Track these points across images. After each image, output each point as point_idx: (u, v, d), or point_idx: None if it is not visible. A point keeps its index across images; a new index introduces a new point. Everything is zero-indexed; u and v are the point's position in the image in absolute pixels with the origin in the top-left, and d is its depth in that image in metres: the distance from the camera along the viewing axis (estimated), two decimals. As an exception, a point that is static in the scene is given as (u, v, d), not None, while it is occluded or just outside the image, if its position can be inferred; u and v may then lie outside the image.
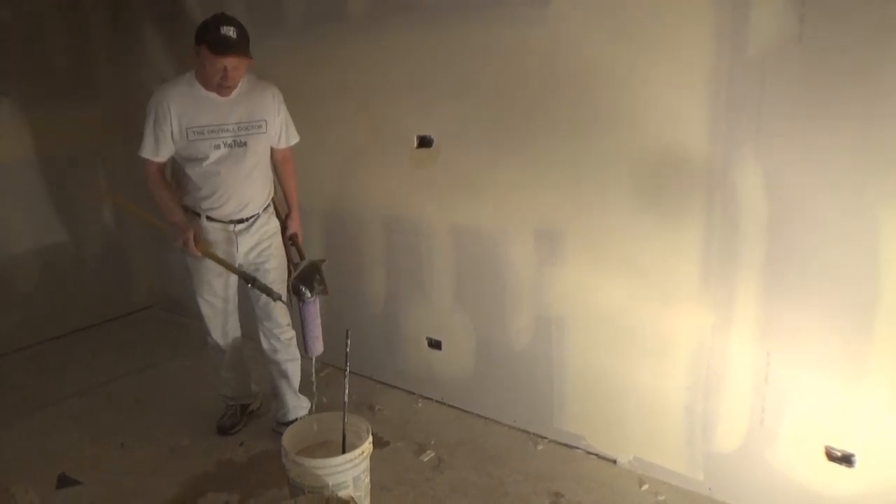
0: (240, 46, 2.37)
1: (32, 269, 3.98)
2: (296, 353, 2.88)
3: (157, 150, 2.49)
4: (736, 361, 2.22)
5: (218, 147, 2.50)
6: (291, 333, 2.85)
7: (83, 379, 3.53)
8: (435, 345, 3.06)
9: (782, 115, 1.98)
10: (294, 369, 2.88)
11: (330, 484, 2.13)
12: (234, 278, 2.75)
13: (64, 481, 2.64)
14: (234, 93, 2.49)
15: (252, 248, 2.69)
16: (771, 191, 2.04)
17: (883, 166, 1.85)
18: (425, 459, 2.70)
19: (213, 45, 2.33)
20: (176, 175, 2.63)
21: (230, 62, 2.36)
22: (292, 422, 2.71)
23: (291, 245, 2.84)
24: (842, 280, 1.97)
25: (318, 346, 2.63)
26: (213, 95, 2.47)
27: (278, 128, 2.64)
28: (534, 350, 2.72)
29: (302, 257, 2.87)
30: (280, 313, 2.80)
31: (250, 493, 2.53)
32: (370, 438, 2.27)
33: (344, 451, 2.27)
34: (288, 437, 2.31)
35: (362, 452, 2.21)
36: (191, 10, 3.56)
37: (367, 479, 2.28)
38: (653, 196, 2.28)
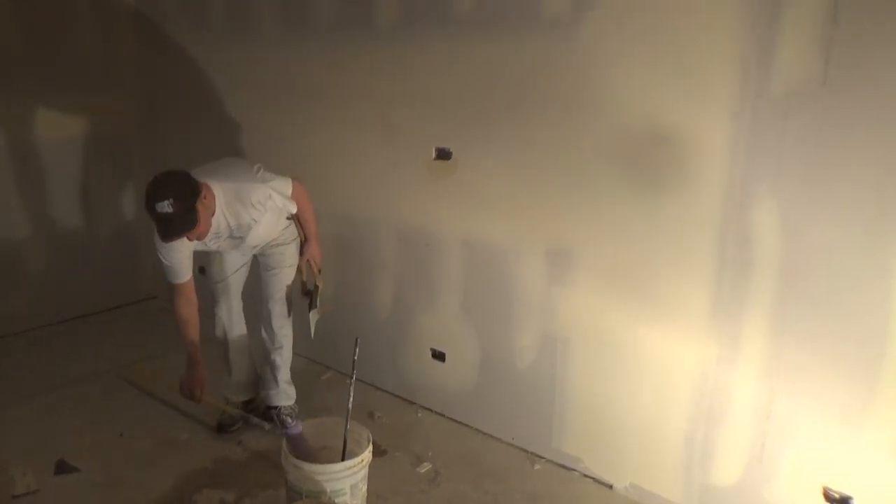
0: (175, 227, 2.31)
1: (45, 251, 4.01)
2: (289, 338, 2.91)
3: (175, 275, 2.57)
4: (739, 396, 2.23)
5: (217, 244, 2.63)
6: (290, 327, 2.91)
7: (86, 365, 3.55)
8: (438, 356, 3.08)
9: (803, 156, 1.99)
10: (287, 355, 2.92)
11: (328, 490, 2.14)
12: (229, 261, 2.82)
13: (62, 467, 2.66)
14: (215, 218, 2.49)
15: (261, 245, 2.77)
16: (786, 230, 2.05)
17: (900, 214, 1.86)
18: (422, 471, 2.70)
19: (157, 229, 2.35)
20: None
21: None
22: (275, 408, 2.87)
23: (307, 267, 2.93)
24: (852, 325, 1.98)
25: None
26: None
27: (274, 214, 2.65)
28: (537, 369, 2.73)
29: (316, 283, 2.90)
30: (283, 313, 2.85)
31: (246, 492, 2.54)
32: (370, 447, 2.28)
33: (344, 458, 2.28)
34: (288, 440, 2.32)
35: (362, 461, 2.23)
36: (218, 10, 3.59)
37: (365, 488, 2.29)
38: (668, 224, 2.29)
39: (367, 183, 3.18)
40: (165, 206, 2.25)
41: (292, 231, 2.82)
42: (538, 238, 2.63)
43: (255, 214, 2.56)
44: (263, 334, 2.89)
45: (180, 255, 2.53)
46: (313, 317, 2.91)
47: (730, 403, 2.25)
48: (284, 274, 2.83)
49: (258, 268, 2.88)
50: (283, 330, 2.87)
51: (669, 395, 2.39)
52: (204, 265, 2.94)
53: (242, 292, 2.93)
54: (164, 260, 2.53)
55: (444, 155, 2.85)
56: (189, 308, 2.63)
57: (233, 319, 2.92)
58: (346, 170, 3.23)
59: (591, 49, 2.35)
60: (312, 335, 2.91)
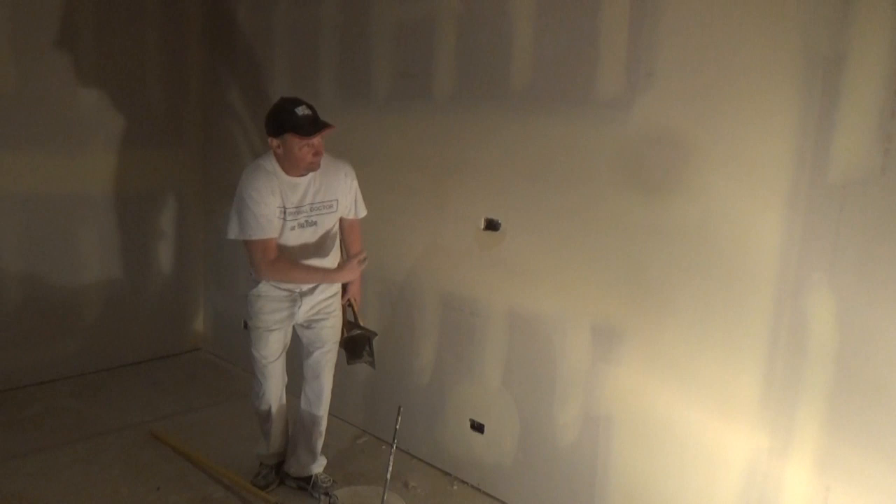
0: (320, 122, 2.48)
1: (97, 300, 4.13)
2: (326, 409, 2.92)
3: (266, 229, 2.52)
4: (791, 492, 2.13)
5: (293, 228, 2.60)
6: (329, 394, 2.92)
7: (128, 414, 3.59)
8: (478, 427, 3.03)
9: (860, 246, 1.95)
10: (323, 425, 2.91)
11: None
12: (279, 339, 2.80)
13: (98, 518, 2.67)
14: (309, 174, 2.59)
15: (312, 307, 2.77)
16: (842, 320, 2.00)
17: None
18: (455, 546, 2.63)
19: (301, 129, 2.43)
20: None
21: (317, 139, 2.47)
22: (308, 478, 2.86)
23: (348, 306, 2.92)
24: (913, 422, 1.90)
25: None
26: (291, 179, 2.56)
27: (349, 204, 2.76)
28: (578, 448, 2.67)
29: (357, 323, 2.94)
30: (329, 375, 2.85)
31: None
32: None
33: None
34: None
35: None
36: (280, 76, 3.77)
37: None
38: (718, 307, 2.25)
39: (415, 248, 3.23)
40: (306, 111, 2.46)
41: (337, 284, 2.84)
42: (584, 314, 2.61)
43: (339, 192, 2.67)
44: (308, 396, 2.88)
45: (270, 208, 2.50)
46: (368, 366, 2.94)
47: (781, 499, 2.15)
48: (336, 319, 2.86)
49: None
50: (329, 388, 2.89)
51: (717, 484, 2.30)
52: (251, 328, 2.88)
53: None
54: (253, 208, 2.47)
55: (493, 226, 2.88)
56: (290, 260, 2.60)
57: (280, 394, 2.91)
58: (395, 234, 3.29)
59: (644, 129, 2.38)
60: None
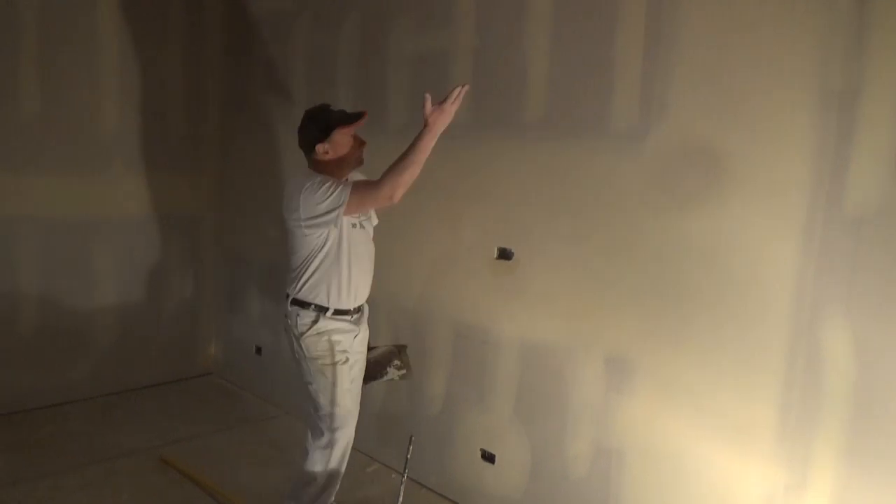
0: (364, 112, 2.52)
1: (111, 323, 4.16)
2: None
3: (345, 185, 2.40)
4: (809, 529, 2.09)
5: (354, 226, 2.54)
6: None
7: (138, 439, 3.59)
8: (488, 457, 3.00)
9: (877, 278, 1.94)
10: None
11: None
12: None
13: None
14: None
15: (363, 338, 2.72)
16: (860, 353, 1.98)
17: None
18: (465, 579, 2.59)
19: (347, 118, 2.48)
20: (298, 273, 2.55)
21: (360, 128, 2.50)
22: None
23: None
24: (933, 459, 1.86)
25: None
26: None
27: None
28: (589, 480, 2.63)
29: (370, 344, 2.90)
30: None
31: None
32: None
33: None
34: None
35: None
36: (297, 102, 3.82)
37: None
38: (733, 338, 2.24)
39: (428, 276, 3.23)
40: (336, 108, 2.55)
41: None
42: (598, 344, 2.60)
43: None
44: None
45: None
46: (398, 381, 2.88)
47: (799, 536, 2.11)
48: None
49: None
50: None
51: (732, 521, 2.26)
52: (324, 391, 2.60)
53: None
54: (325, 183, 2.40)
55: (506, 255, 2.88)
56: (386, 174, 2.35)
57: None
58: (408, 261, 3.30)
59: (658, 161, 2.39)
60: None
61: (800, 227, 2.07)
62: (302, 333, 2.54)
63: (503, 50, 2.83)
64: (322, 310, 2.54)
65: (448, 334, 3.14)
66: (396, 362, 2.87)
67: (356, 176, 2.62)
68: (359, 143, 2.56)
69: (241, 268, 4.41)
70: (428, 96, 2.31)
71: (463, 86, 2.35)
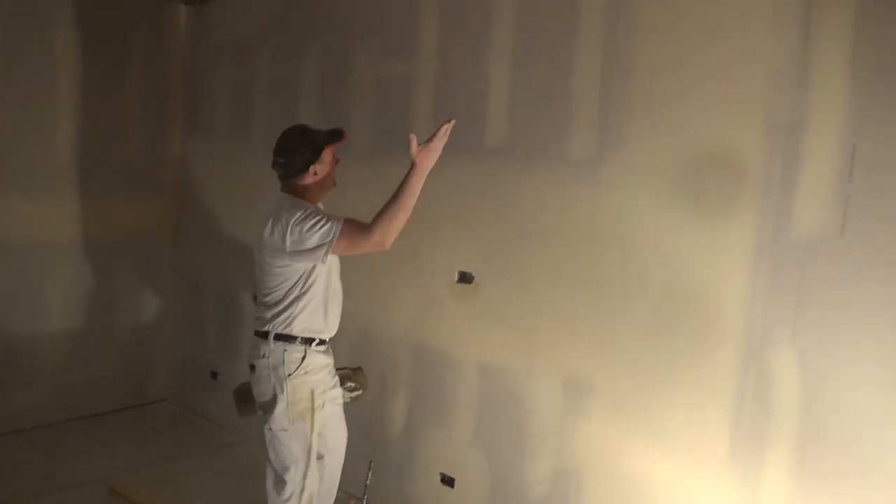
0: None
1: (60, 349, 4.03)
2: None
3: (337, 218, 2.28)
4: (762, 547, 2.14)
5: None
6: None
7: (88, 468, 3.47)
8: (448, 482, 2.99)
9: (821, 302, 2.02)
10: None
11: None
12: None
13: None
14: None
15: (331, 371, 2.60)
16: (805, 374, 2.05)
17: (921, 366, 1.87)
18: None
19: (333, 135, 2.43)
20: (283, 306, 2.40)
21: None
22: None
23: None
24: (873, 474, 1.93)
25: None
26: None
27: None
28: (549, 503, 2.65)
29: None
30: None
31: None
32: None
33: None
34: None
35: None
36: (259, 129, 3.81)
37: None
38: (686, 361, 2.30)
39: (389, 300, 3.23)
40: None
41: None
42: (555, 367, 2.63)
43: None
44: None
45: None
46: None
47: (751, 554, 2.16)
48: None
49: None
50: None
51: (687, 541, 2.30)
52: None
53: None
54: (316, 213, 2.29)
55: (466, 279, 2.91)
56: (376, 219, 2.25)
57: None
58: (367, 285, 3.30)
59: (612, 188, 2.46)
60: None
61: (749, 254, 2.15)
62: (290, 373, 2.37)
63: (465, 77, 2.89)
64: (309, 342, 2.42)
65: (408, 358, 3.14)
66: (350, 384, 2.79)
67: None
68: (336, 161, 2.51)
69: (198, 292, 4.34)
70: (413, 137, 2.21)
71: (449, 121, 2.26)
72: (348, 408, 2.78)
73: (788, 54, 2.07)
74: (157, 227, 4.40)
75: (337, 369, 2.77)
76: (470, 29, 2.86)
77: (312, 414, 2.40)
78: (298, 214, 2.27)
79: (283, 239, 2.28)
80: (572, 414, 2.58)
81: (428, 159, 2.23)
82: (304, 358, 2.39)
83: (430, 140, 2.23)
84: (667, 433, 2.35)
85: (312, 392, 2.41)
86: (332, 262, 2.49)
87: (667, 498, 2.35)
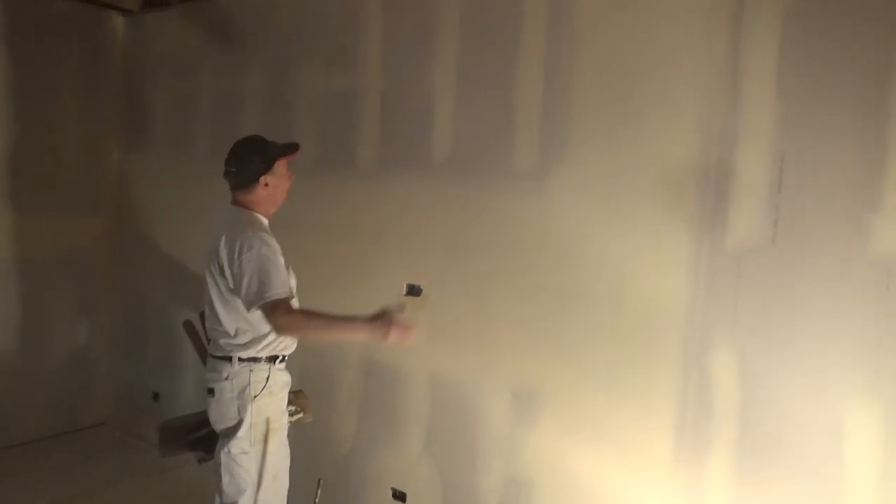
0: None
1: (-10, 373, 3.85)
2: None
3: (286, 283, 2.25)
4: (706, 546, 2.20)
5: (290, 273, 2.41)
6: None
7: (23, 497, 3.31)
8: (400, 496, 2.98)
9: (757, 307, 2.11)
10: None
11: None
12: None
13: None
14: None
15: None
16: (744, 378, 2.13)
17: (849, 365, 1.96)
18: None
19: (286, 149, 2.38)
20: (246, 330, 2.31)
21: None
22: None
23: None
24: (809, 473, 2.02)
25: None
26: (268, 226, 2.41)
27: None
28: (501, 513, 2.67)
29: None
30: None
31: None
32: None
33: None
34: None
35: None
36: (201, 144, 3.75)
37: None
38: (631, 368, 2.36)
39: (338, 311, 3.20)
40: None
41: None
42: (504, 378, 2.66)
43: None
44: None
45: (281, 259, 2.25)
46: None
47: (697, 555, 2.22)
48: None
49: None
50: None
51: (636, 545, 2.34)
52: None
53: None
54: (271, 256, 2.21)
55: (414, 291, 2.92)
56: (310, 311, 2.25)
57: None
58: (315, 301, 3.25)
59: (555, 201, 2.51)
60: None
61: (688, 263, 2.23)
62: (256, 394, 2.29)
63: (411, 91, 2.91)
64: (272, 360, 2.34)
65: (358, 373, 3.12)
66: (290, 408, 2.65)
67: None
68: (290, 176, 2.45)
69: (137, 310, 4.21)
70: (401, 313, 2.21)
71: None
72: (296, 431, 2.72)
73: (719, 70, 2.17)
74: (94, 245, 4.25)
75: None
76: (414, 44, 2.89)
77: (275, 435, 2.35)
78: (247, 255, 2.20)
79: (230, 265, 2.24)
80: (522, 423, 2.61)
81: (390, 339, 2.21)
82: (268, 378, 2.33)
83: (407, 328, 2.23)
84: (614, 438, 2.40)
85: (276, 413, 2.36)
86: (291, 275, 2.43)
87: (615, 503, 2.39)
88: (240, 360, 2.31)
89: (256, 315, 2.23)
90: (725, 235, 2.16)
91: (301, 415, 2.71)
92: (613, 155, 2.38)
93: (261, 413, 2.31)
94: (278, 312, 2.16)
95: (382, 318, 2.21)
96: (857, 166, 1.95)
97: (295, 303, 2.35)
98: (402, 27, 2.95)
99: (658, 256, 2.29)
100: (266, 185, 2.36)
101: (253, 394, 2.29)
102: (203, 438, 2.51)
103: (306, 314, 2.25)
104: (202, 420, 2.47)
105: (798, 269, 2.04)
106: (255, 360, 2.31)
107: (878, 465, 1.94)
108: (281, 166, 2.39)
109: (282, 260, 2.26)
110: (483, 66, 2.70)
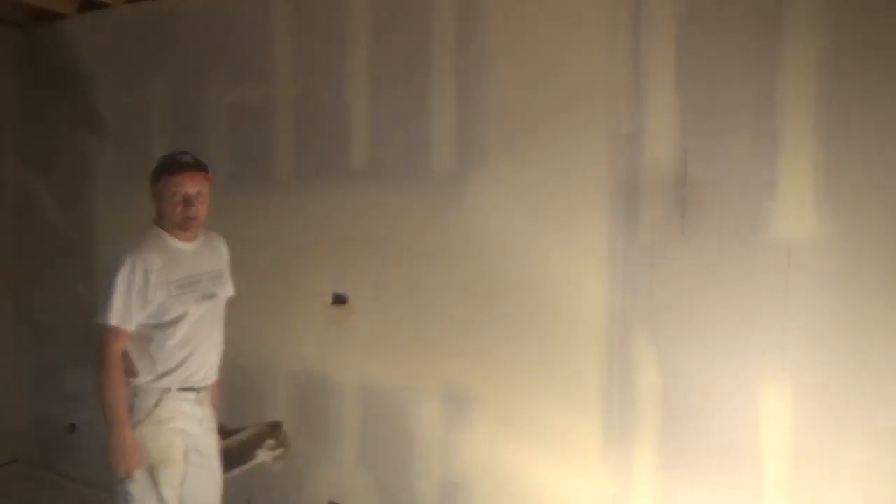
0: (197, 165, 2.24)
1: None
2: None
3: (129, 317, 2.13)
4: (638, 531, 2.28)
5: (197, 301, 2.27)
6: None
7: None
8: (337, 509, 2.95)
9: (671, 296, 2.20)
10: None
11: None
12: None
13: None
14: (197, 242, 2.33)
15: (202, 421, 2.35)
16: (664, 366, 2.22)
17: (761, 347, 2.07)
18: None
19: (170, 168, 2.20)
20: (130, 357, 2.22)
21: (189, 184, 2.19)
22: None
23: None
24: (729, 455, 2.12)
25: None
26: (180, 244, 2.26)
27: (228, 277, 2.50)
28: (439, 516, 2.68)
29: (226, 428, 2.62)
30: None
31: None
32: None
33: None
34: None
35: None
36: (104, 162, 3.59)
37: None
38: (558, 364, 2.41)
39: (261, 331, 3.14)
40: (186, 157, 2.24)
41: None
42: (435, 382, 2.67)
43: (223, 264, 2.45)
44: None
45: (139, 287, 2.12)
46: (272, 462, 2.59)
47: (629, 540, 2.29)
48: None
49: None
50: None
51: (571, 536, 2.40)
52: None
53: None
54: (119, 285, 2.11)
55: (340, 300, 2.89)
56: (123, 379, 2.16)
57: None
58: (239, 318, 3.17)
59: (476, 201, 2.54)
60: None
61: (605, 256, 2.30)
62: (139, 420, 2.20)
63: (325, 99, 2.87)
64: (166, 389, 2.24)
65: (286, 386, 3.07)
66: (270, 442, 2.57)
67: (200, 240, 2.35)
68: (183, 203, 2.20)
69: (46, 338, 3.99)
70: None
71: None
72: (261, 467, 2.60)
73: (622, 69, 2.25)
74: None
75: (252, 425, 2.60)
76: (326, 51, 2.86)
77: (172, 468, 2.21)
78: (119, 270, 2.13)
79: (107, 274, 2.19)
80: (455, 426, 2.63)
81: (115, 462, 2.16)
82: (156, 405, 2.21)
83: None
84: (545, 434, 2.44)
85: (172, 446, 2.21)
86: (207, 305, 2.32)
87: (551, 499, 2.44)
88: (126, 383, 2.20)
89: (136, 336, 2.18)
90: (638, 228, 2.24)
91: (281, 450, 2.58)
92: (530, 153, 2.43)
93: (146, 442, 2.18)
94: (99, 344, 2.15)
95: (128, 444, 2.13)
96: (753, 156, 2.07)
97: (183, 332, 2.24)
98: (312, 34, 2.91)
99: (576, 251, 2.35)
100: (153, 198, 2.26)
101: (136, 419, 2.18)
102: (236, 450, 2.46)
103: (107, 370, 2.16)
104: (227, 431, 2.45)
105: (706, 257, 2.14)
106: (141, 384, 2.21)
107: (791, 447, 2.05)
108: (167, 184, 2.20)
109: (144, 290, 2.14)
110: (396, 69, 2.70)
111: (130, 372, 2.21)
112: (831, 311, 1.99)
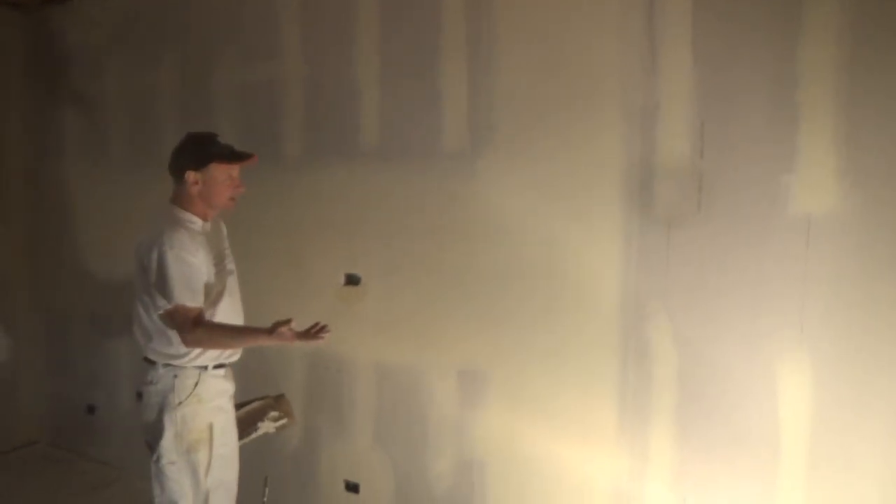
0: (251, 154, 2.29)
1: None
2: None
3: (198, 293, 2.14)
4: (653, 508, 2.27)
5: (231, 273, 2.34)
6: None
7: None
8: (352, 488, 2.96)
9: (687, 274, 2.17)
10: None
11: None
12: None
13: None
14: (211, 221, 2.33)
15: (232, 397, 2.39)
16: (679, 342, 2.19)
17: (777, 324, 2.04)
18: None
19: (228, 156, 2.22)
20: (156, 332, 2.22)
21: (238, 174, 2.26)
22: None
23: None
24: (744, 428, 2.10)
25: None
26: (202, 224, 2.26)
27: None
28: (453, 495, 2.68)
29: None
30: None
31: None
32: None
33: None
34: None
35: None
36: (117, 144, 3.58)
37: None
38: (573, 342, 2.39)
39: (274, 310, 3.11)
40: (223, 140, 2.27)
41: None
42: (449, 361, 2.66)
43: (226, 240, 2.44)
44: None
45: (200, 266, 2.15)
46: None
47: (645, 516, 2.29)
48: None
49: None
50: None
51: (587, 513, 2.40)
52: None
53: None
54: (184, 269, 2.11)
55: (353, 280, 2.88)
56: (216, 324, 2.19)
57: None
58: (251, 300, 3.18)
59: (489, 180, 2.51)
60: None
61: (619, 235, 2.27)
62: (181, 401, 2.20)
63: (335, 79, 2.84)
64: (203, 366, 2.24)
65: (302, 366, 3.07)
66: (273, 413, 2.60)
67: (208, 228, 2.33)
68: (235, 186, 2.27)
69: (63, 322, 4.02)
70: (292, 325, 2.14)
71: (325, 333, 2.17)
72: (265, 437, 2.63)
73: (636, 43, 2.19)
74: (6, 258, 4.02)
75: (258, 398, 2.63)
76: (334, 31, 2.82)
77: (209, 446, 2.23)
78: (155, 264, 2.12)
79: (147, 264, 2.15)
80: (470, 405, 2.62)
81: (288, 341, 2.16)
82: (196, 384, 2.22)
83: (303, 333, 2.16)
84: (560, 415, 2.43)
85: (211, 424, 2.23)
86: (231, 279, 2.35)
87: (566, 477, 2.44)
88: (164, 364, 2.22)
89: None
90: (654, 205, 2.21)
91: (284, 420, 2.61)
92: (542, 132, 2.39)
93: (186, 421, 2.20)
94: (179, 323, 2.11)
95: (284, 336, 2.14)
96: (771, 128, 2.02)
97: (226, 305, 2.28)
98: (322, 14, 2.87)
99: (590, 230, 2.32)
100: (196, 182, 2.22)
101: (177, 400, 2.19)
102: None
103: (208, 328, 2.17)
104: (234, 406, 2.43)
105: (724, 233, 2.10)
106: (179, 365, 2.21)
107: (809, 423, 2.03)
108: (219, 170, 2.22)
109: (199, 265, 2.15)
110: (406, 49, 2.66)
111: (170, 354, 2.21)
112: (851, 286, 1.96)
